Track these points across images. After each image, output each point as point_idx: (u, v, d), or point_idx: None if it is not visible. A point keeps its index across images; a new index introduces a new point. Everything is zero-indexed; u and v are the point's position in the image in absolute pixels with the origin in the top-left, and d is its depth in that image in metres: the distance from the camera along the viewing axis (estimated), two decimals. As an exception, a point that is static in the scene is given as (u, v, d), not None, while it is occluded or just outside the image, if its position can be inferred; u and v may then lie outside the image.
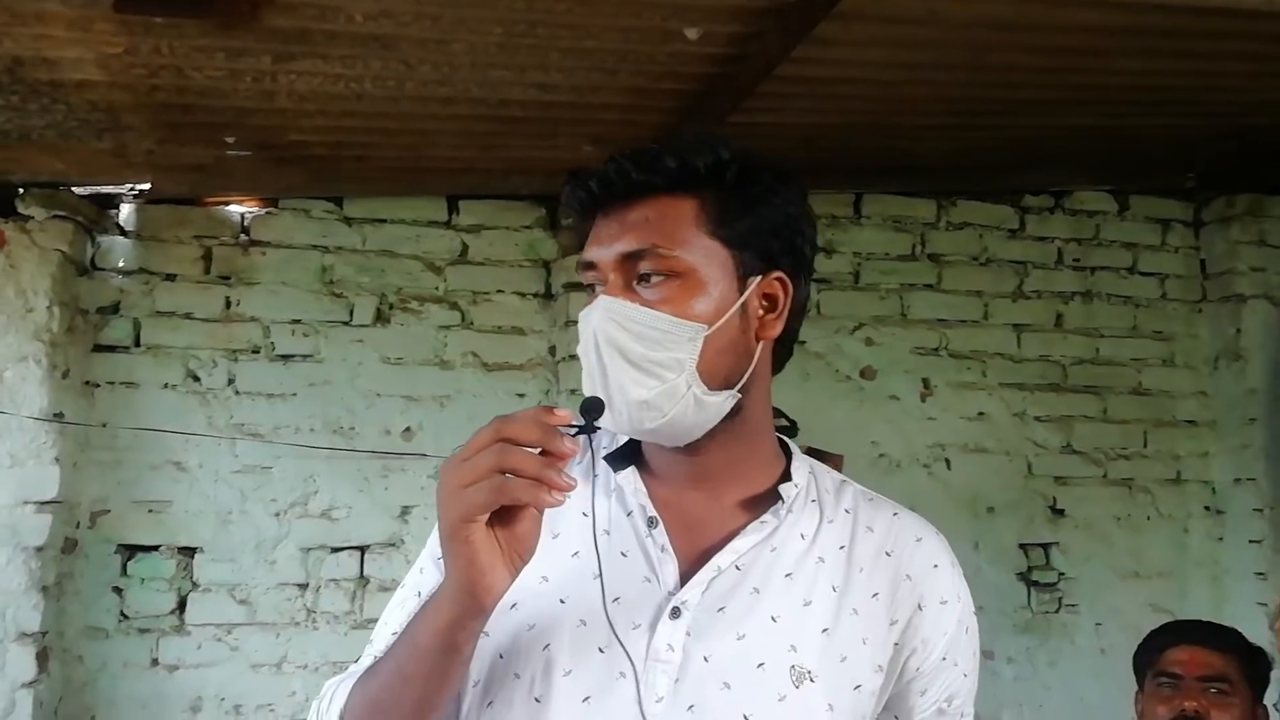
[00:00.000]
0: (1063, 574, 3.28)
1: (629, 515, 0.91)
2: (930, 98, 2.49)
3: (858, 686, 0.87)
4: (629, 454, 0.96)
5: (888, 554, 0.93)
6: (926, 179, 3.24)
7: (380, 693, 0.82)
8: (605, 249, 0.88)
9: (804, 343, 3.10)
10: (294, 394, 2.80)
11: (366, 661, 0.92)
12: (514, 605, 0.87)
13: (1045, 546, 3.30)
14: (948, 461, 3.26)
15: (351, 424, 2.84)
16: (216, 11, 1.77)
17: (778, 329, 0.92)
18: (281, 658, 2.71)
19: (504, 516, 0.74)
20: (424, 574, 0.96)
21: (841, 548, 0.92)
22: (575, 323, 2.85)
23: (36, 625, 2.44)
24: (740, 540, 0.89)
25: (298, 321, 2.83)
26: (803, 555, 0.90)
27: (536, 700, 0.83)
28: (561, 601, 0.87)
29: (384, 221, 2.92)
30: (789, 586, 0.88)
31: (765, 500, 0.92)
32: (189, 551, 2.68)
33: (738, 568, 0.88)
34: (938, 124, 2.69)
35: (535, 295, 3.01)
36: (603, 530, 0.89)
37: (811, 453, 3.15)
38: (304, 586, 2.75)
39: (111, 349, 2.70)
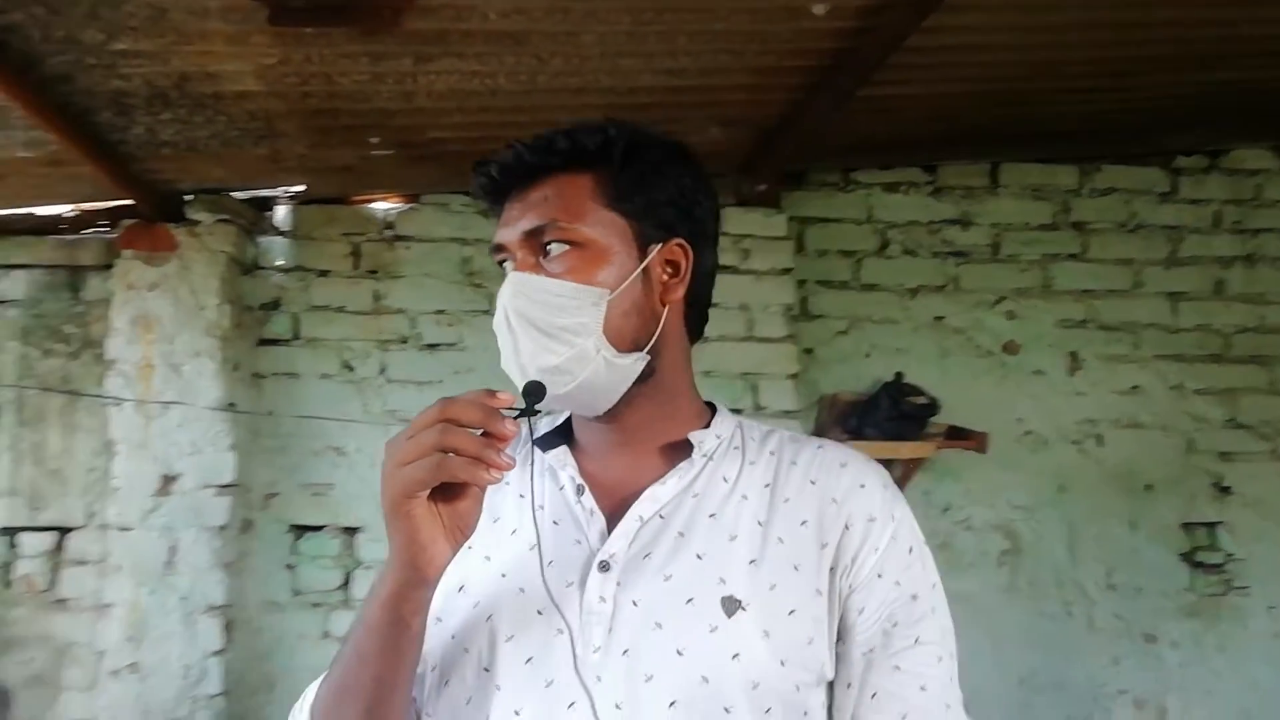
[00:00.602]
0: (1231, 555, 3.10)
1: (561, 489, 0.95)
2: (1069, 60, 2.38)
3: (792, 611, 0.86)
4: (560, 434, 1.00)
5: (812, 482, 0.93)
6: (1067, 145, 3.10)
7: (342, 676, 0.85)
8: (510, 229, 0.91)
9: (942, 318, 3.09)
10: (440, 381, 2.92)
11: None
12: (461, 588, 0.92)
13: (1210, 526, 3.12)
14: (1099, 438, 3.12)
15: (494, 409, 2.94)
16: (362, 19, 1.86)
17: (680, 292, 0.95)
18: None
19: (446, 493, 0.77)
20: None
21: (766, 485, 0.93)
22: (710, 304, 2.86)
23: (221, 599, 2.64)
24: (659, 488, 0.92)
25: (441, 312, 2.95)
26: (726, 496, 0.92)
27: (485, 670, 0.86)
28: (503, 576, 0.90)
29: (518, 212, 3.00)
30: (713, 526, 0.90)
31: (684, 452, 0.95)
32: (351, 531, 2.85)
33: (661, 516, 0.91)
34: (1078, 87, 2.58)
35: (666, 279, 3.04)
36: (538, 506, 0.92)
37: (953, 431, 3.08)
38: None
39: (274, 342, 2.89)
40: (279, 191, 2.83)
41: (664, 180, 0.94)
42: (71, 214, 2.85)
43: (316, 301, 2.90)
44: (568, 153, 0.92)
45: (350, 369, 2.90)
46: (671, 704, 0.82)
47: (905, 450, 2.95)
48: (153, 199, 2.62)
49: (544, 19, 1.94)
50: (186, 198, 2.71)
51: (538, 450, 0.97)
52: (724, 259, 2.81)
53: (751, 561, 0.87)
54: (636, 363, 0.92)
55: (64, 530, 2.81)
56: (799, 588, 0.87)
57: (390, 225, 2.96)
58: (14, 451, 2.83)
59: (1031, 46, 2.29)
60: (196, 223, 2.71)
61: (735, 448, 0.97)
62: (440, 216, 2.97)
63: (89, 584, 2.76)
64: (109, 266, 2.76)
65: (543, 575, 0.87)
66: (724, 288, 2.80)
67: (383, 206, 2.96)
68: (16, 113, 2.08)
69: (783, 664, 0.84)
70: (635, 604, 0.85)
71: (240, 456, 2.72)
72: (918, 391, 2.94)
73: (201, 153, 2.43)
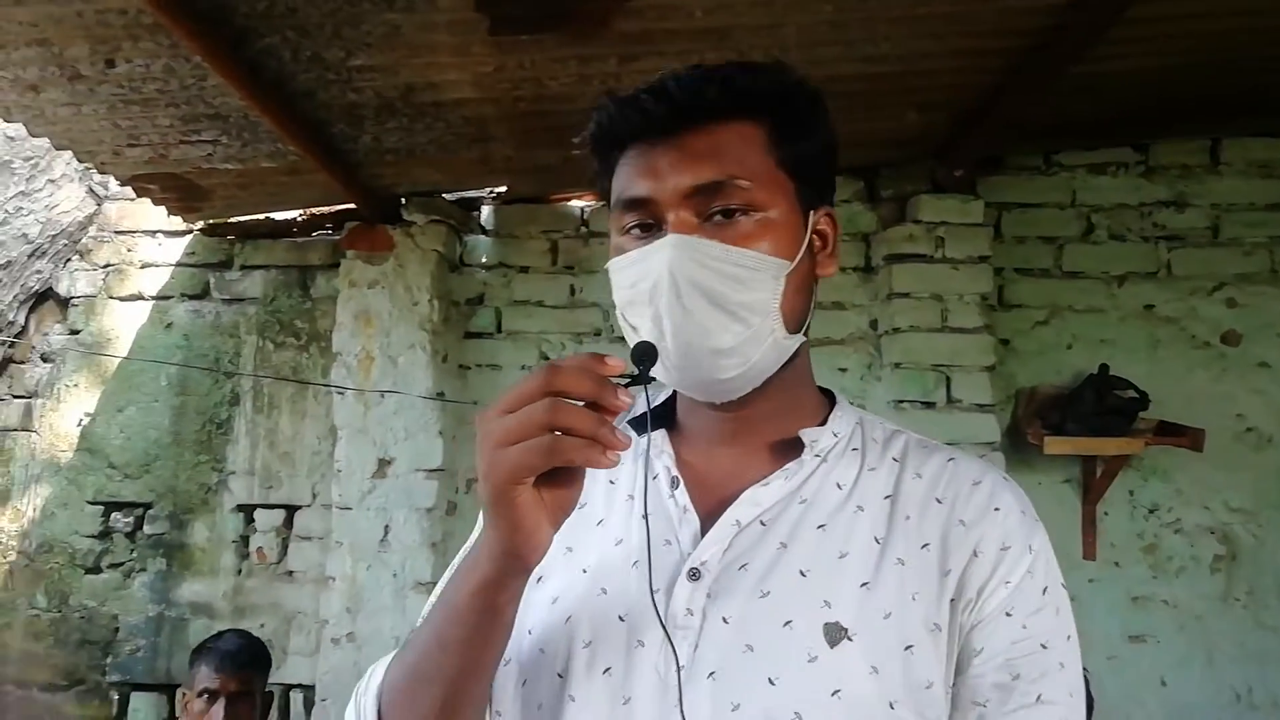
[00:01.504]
0: None
1: (655, 479, 0.85)
2: (1306, 23, 2.21)
3: (909, 647, 0.74)
4: (659, 415, 0.87)
5: (938, 500, 0.81)
6: (1300, 116, 2.86)
7: (420, 662, 0.77)
8: (663, 183, 0.78)
9: (1152, 307, 2.93)
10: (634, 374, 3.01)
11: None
12: (540, 579, 0.83)
13: None
14: (1333, 436, 2.88)
15: (683, 400, 3.00)
16: (574, 23, 1.96)
17: (833, 267, 0.86)
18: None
19: (550, 474, 0.67)
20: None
21: (886, 497, 0.81)
22: (900, 295, 2.81)
23: (428, 576, 2.82)
24: (760, 491, 0.81)
25: (632, 305, 3.03)
26: (839, 506, 0.81)
27: (559, 676, 0.78)
28: (584, 572, 0.82)
29: (707, 206, 3.06)
30: (821, 539, 0.78)
31: (795, 450, 0.83)
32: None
33: (762, 523, 0.80)
34: (1316, 52, 2.38)
35: (855, 269, 3.02)
36: (626, 495, 0.85)
37: (1164, 426, 2.91)
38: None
39: (478, 335, 3.06)
40: (484, 192, 2.99)
41: (821, 134, 0.84)
42: (302, 218, 3.12)
43: (517, 296, 3.05)
44: (745, 94, 0.80)
45: (548, 360, 3.03)
46: None
47: (1111, 447, 2.81)
48: (373, 202, 2.83)
49: (747, 12, 1.97)
50: (402, 200, 2.91)
51: (632, 431, 0.84)
52: (917, 247, 2.82)
53: (864, 585, 0.76)
54: (795, 345, 0.83)
55: (293, 508, 3.08)
56: (916, 619, 0.76)
57: (585, 222, 3.08)
58: (251, 436, 3.12)
59: (1260, 10, 2.14)
60: (411, 224, 2.91)
61: (854, 449, 0.85)
62: (632, 212, 3.06)
63: (314, 558, 3.01)
64: (335, 266, 3.01)
65: (652, 580, 0.76)
66: (917, 276, 2.80)
67: (578, 204, 3.08)
68: (264, 127, 2.30)
69: (892, 707, 0.72)
70: (726, 620, 0.75)
71: (447, 443, 2.89)
72: (1125, 385, 2.80)
73: (419, 158, 2.60)
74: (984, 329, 2.83)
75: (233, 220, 3.14)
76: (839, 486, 0.82)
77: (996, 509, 0.81)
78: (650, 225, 0.79)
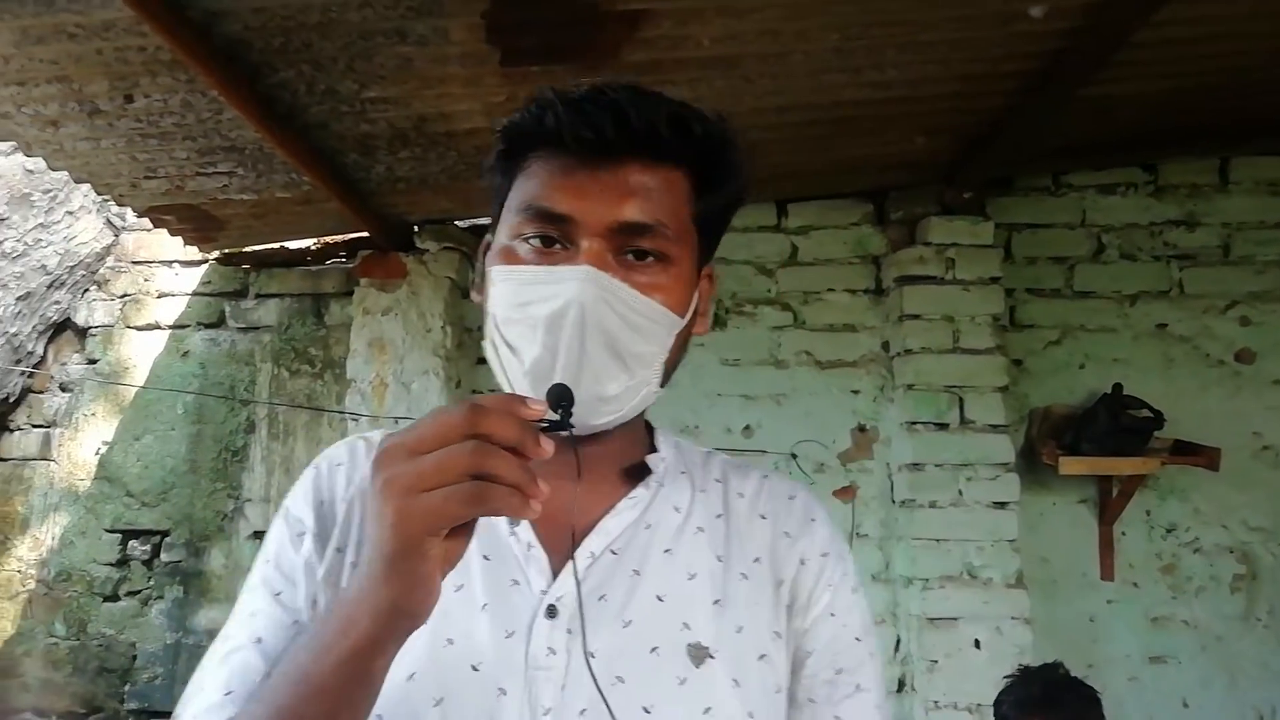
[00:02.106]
0: None
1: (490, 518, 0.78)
2: (1316, 43, 2.21)
3: (762, 656, 0.78)
4: None
5: (762, 516, 0.84)
6: (1310, 135, 2.87)
7: None
8: (597, 207, 0.73)
9: (1165, 326, 2.93)
10: (643, 396, 3.02)
11: (209, 703, 0.72)
12: None
13: None
14: (1353, 453, 2.86)
15: (695, 423, 3.01)
16: (585, 55, 1.98)
17: (705, 326, 0.83)
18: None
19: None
20: (317, 605, 0.76)
21: (718, 516, 0.84)
22: (911, 317, 2.81)
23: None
24: (610, 520, 0.79)
25: (644, 329, 3.04)
26: (680, 528, 0.81)
27: None
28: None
29: (718, 230, 3.08)
30: (670, 562, 0.79)
31: (634, 478, 0.83)
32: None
33: (613, 552, 0.78)
34: (1324, 71, 2.39)
35: (865, 291, 3.03)
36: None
37: (1179, 445, 2.90)
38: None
39: (491, 361, 3.07)
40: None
41: (734, 194, 0.81)
42: (316, 247, 3.15)
43: (529, 322, 3.06)
44: (689, 140, 0.76)
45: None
46: None
47: (1126, 466, 2.81)
48: (386, 230, 2.86)
49: (755, 42, 2.00)
50: (415, 228, 2.94)
51: None
52: (927, 269, 2.83)
53: (716, 602, 0.78)
54: (658, 397, 0.81)
55: (308, 534, 3.09)
56: (763, 629, 0.79)
57: (596, 247, 3.10)
58: (266, 463, 3.14)
59: (1267, 33, 2.15)
60: (424, 251, 2.94)
61: (681, 472, 0.86)
62: (643, 237, 3.08)
63: (330, 584, 3.01)
64: (348, 293, 3.03)
65: (475, 623, 0.73)
66: (928, 298, 2.81)
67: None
68: (279, 158, 2.33)
69: (750, 716, 0.75)
70: (593, 656, 0.71)
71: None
72: (1139, 404, 2.79)
73: (431, 186, 2.63)
74: (996, 350, 2.83)
75: (248, 250, 3.18)
76: (676, 510, 0.83)
77: (813, 520, 0.86)
78: (553, 241, 0.75)
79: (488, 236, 0.83)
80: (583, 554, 0.77)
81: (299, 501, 0.81)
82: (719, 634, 0.76)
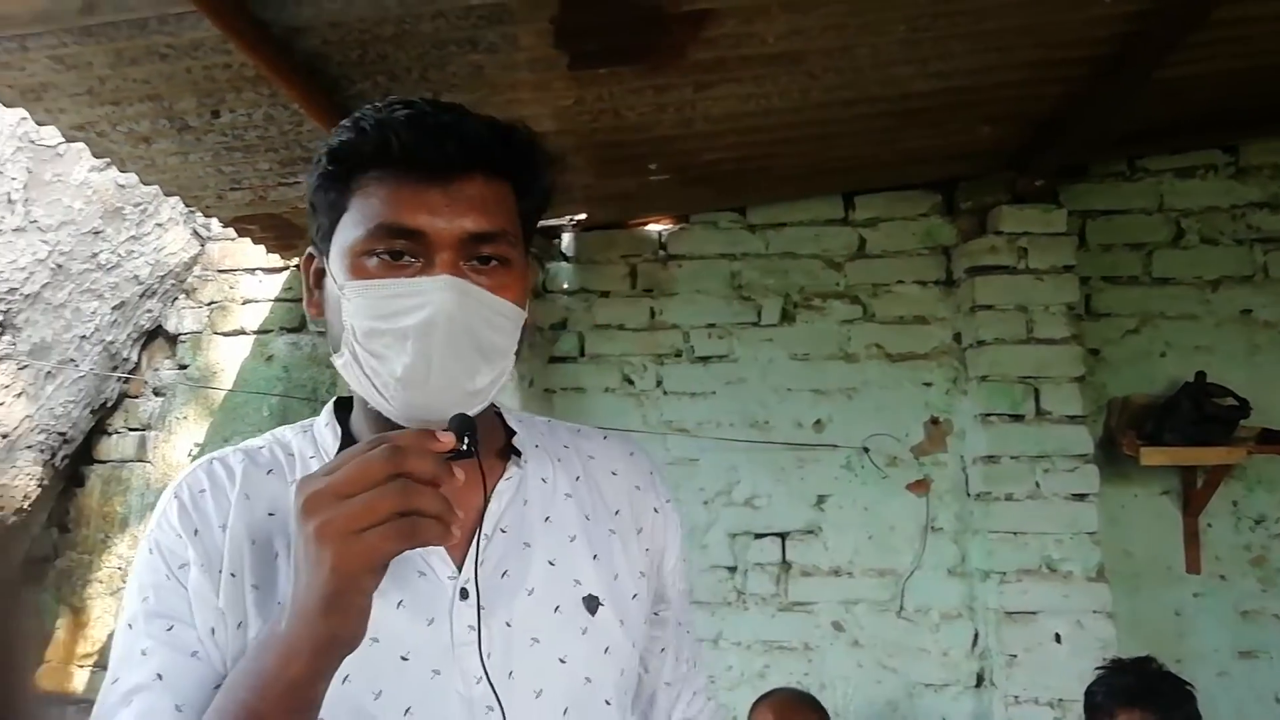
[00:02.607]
0: None
1: None
2: None
3: (634, 595, 0.92)
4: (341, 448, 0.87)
5: (613, 473, 0.97)
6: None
7: None
8: (445, 221, 0.79)
9: (1249, 311, 2.85)
10: (713, 392, 3.05)
11: None
12: None
13: None
14: None
15: (766, 418, 3.02)
16: (651, 56, 2.01)
17: (530, 314, 0.89)
18: (717, 634, 2.95)
19: None
20: (215, 633, 0.79)
21: (577, 478, 0.95)
22: (983, 308, 2.78)
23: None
24: (494, 504, 0.87)
25: (712, 325, 3.07)
26: (550, 497, 0.92)
27: None
28: None
29: (784, 225, 3.09)
30: (550, 529, 0.90)
31: (500, 460, 0.91)
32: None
33: (503, 530, 0.87)
34: None
35: (936, 283, 3.00)
36: None
37: (1267, 434, 2.82)
38: (732, 570, 2.97)
39: (562, 360, 3.13)
40: (565, 220, 3.07)
41: (547, 195, 0.89)
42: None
43: (599, 320, 3.11)
44: (505, 155, 0.83)
45: (630, 383, 3.09)
46: (565, 711, 0.83)
47: (1211, 456, 2.74)
48: (458, 234, 2.92)
49: (820, 37, 2.00)
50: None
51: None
52: (999, 258, 2.80)
53: (595, 557, 0.91)
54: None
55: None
56: (631, 572, 0.93)
57: (663, 245, 3.13)
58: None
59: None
60: (495, 253, 3.00)
61: (535, 445, 0.94)
62: (709, 234, 3.11)
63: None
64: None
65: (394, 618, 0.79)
66: (1000, 288, 2.78)
67: (656, 228, 3.13)
68: (357, 167, 2.41)
69: (633, 645, 0.91)
70: (510, 624, 0.83)
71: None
72: (1223, 392, 2.72)
73: (501, 190, 2.68)
74: (1072, 339, 2.78)
75: (326, 256, 3.28)
76: (544, 481, 0.93)
77: (651, 473, 1.01)
78: (401, 254, 0.79)
79: (310, 251, 0.88)
80: (480, 538, 0.85)
81: (168, 535, 0.82)
82: (601, 583, 0.89)
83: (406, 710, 0.79)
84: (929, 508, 2.90)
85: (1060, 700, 2.58)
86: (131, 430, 3.43)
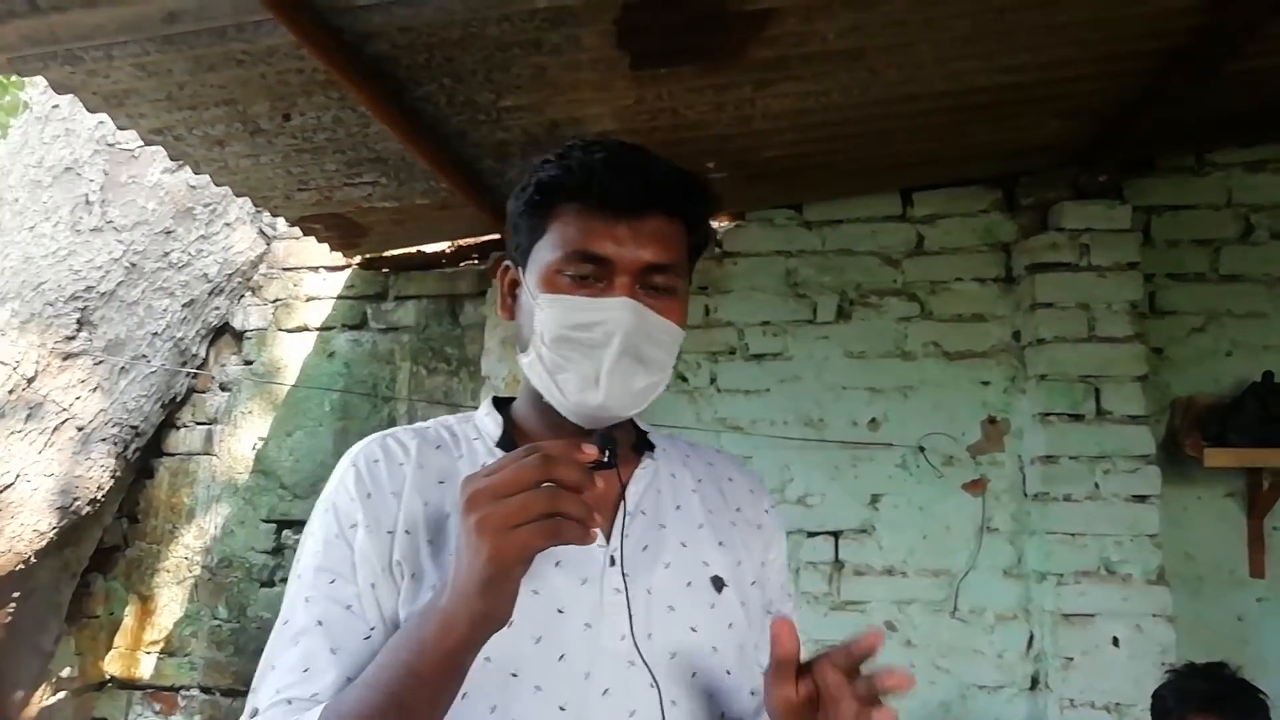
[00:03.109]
0: None
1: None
2: None
3: (754, 583, 1.04)
4: (509, 437, 1.04)
5: (730, 479, 1.12)
6: None
7: None
8: (628, 252, 0.94)
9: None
10: (767, 390, 3.05)
11: (299, 693, 0.87)
12: None
13: None
14: None
15: (820, 416, 3.02)
16: (712, 55, 2.02)
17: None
18: (771, 631, 2.95)
19: None
20: (375, 588, 0.91)
21: (699, 480, 1.09)
22: (1043, 305, 2.75)
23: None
24: (633, 487, 1.01)
25: (767, 323, 3.07)
26: (679, 490, 1.06)
27: (513, 675, 0.88)
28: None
29: (841, 222, 3.08)
30: (682, 517, 1.03)
31: (635, 454, 1.06)
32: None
33: (643, 512, 1.01)
34: None
35: (995, 280, 2.97)
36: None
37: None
38: (787, 566, 2.97)
39: (617, 357, 3.15)
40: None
41: (710, 234, 1.05)
42: (451, 250, 3.29)
43: (655, 318, 3.12)
44: (686, 199, 0.98)
45: (684, 380, 3.10)
46: (693, 675, 0.94)
47: (1278, 458, 2.67)
48: (517, 232, 2.96)
49: (881, 34, 2.00)
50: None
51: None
52: (1060, 255, 2.77)
53: (720, 544, 1.03)
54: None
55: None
56: (751, 562, 1.05)
57: (719, 243, 3.14)
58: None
59: None
60: (552, 251, 3.03)
61: (664, 450, 1.10)
62: (765, 232, 3.11)
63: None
64: (481, 294, 3.17)
65: (555, 579, 0.91)
66: (1061, 285, 2.75)
67: (712, 225, 3.14)
68: (420, 167, 2.46)
69: (750, 626, 1.01)
70: (649, 591, 0.95)
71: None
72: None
73: (560, 189, 2.71)
74: (1135, 338, 2.74)
75: (387, 254, 3.35)
76: (673, 476, 1.07)
77: (759, 483, 1.16)
78: (587, 278, 0.94)
79: (506, 263, 1.04)
80: (622, 515, 0.98)
81: (343, 497, 0.96)
82: (726, 567, 1.01)
83: (560, 657, 0.90)
84: (985, 508, 2.87)
85: (1117, 705, 2.55)
86: (199, 424, 3.53)
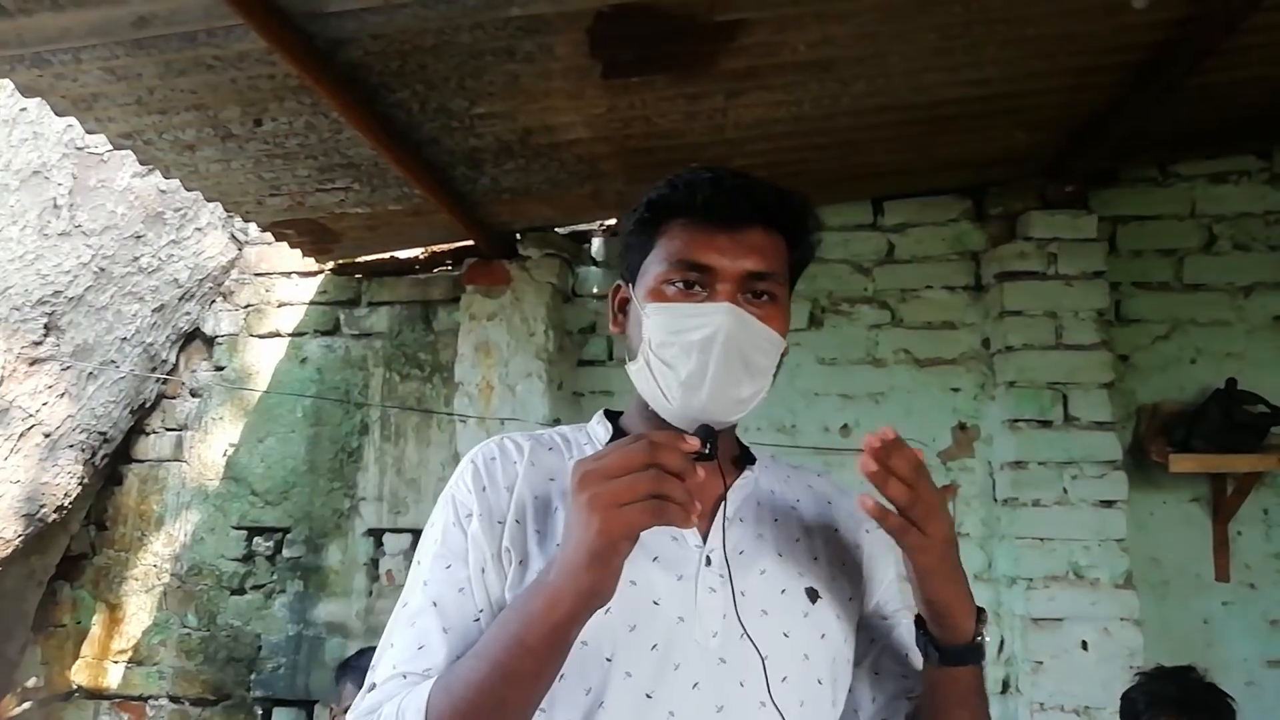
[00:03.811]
0: None
1: None
2: None
3: (850, 598, 1.06)
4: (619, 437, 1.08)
5: (829, 502, 1.12)
6: None
7: (478, 698, 0.85)
8: (730, 261, 0.98)
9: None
10: (741, 396, 3.06)
11: (413, 668, 0.92)
12: None
13: None
14: None
15: (793, 422, 3.04)
16: (684, 64, 2.04)
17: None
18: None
19: None
20: (485, 573, 0.97)
21: (798, 500, 1.10)
22: (1012, 313, 2.78)
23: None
24: (732, 494, 1.04)
25: (740, 330, 3.08)
26: (779, 504, 1.08)
27: (608, 660, 0.91)
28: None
29: (813, 231, 3.09)
30: (779, 528, 1.05)
31: (737, 465, 1.09)
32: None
33: (741, 519, 1.03)
34: None
35: (965, 288, 3.01)
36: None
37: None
38: (760, 572, 2.98)
39: (591, 363, 3.16)
40: (596, 225, 3.10)
41: (812, 247, 1.08)
42: (424, 256, 3.29)
43: (628, 324, 3.13)
44: (786, 213, 1.02)
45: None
46: (784, 679, 0.95)
47: (1242, 464, 2.73)
48: (490, 239, 2.96)
49: (851, 45, 2.02)
50: (518, 236, 3.04)
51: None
52: (1029, 264, 2.80)
53: (815, 559, 1.05)
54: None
55: (419, 532, 3.19)
56: (846, 578, 1.06)
57: (692, 250, 3.15)
58: (380, 463, 3.29)
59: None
60: (526, 258, 3.04)
61: (765, 467, 1.12)
62: (738, 239, 3.12)
63: (440, 579, 3.14)
64: (455, 300, 3.16)
65: (651, 570, 0.94)
66: (1029, 293, 2.78)
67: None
68: (393, 173, 2.45)
69: (845, 641, 1.03)
70: (744, 594, 0.97)
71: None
72: (1254, 399, 2.71)
73: (534, 196, 2.72)
74: (1101, 345, 2.78)
75: (360, 260, 3.33)
76: (773, 491, 1.10)
77: (852, 513, 1.12)
78: (693, 285, 0.98)
79: (619, 283, 1.09)
80: (721, 519, 1.01)
81: (461, 490, 1.02)
82: (821, 580, 1.03)
83: (653, 646, 0.93)
84: (955, 513, 2.90)
85: (1086, 708, 2.58)
86: (169, 430, 3.49)
